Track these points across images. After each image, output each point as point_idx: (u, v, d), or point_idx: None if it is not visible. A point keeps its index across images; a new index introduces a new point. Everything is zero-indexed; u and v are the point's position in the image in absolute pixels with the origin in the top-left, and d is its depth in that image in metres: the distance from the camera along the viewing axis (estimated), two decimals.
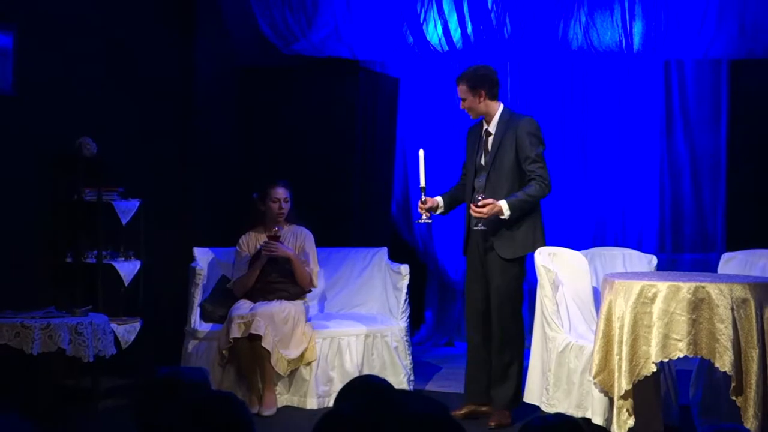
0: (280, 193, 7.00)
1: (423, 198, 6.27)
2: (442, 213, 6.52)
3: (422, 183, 6.29)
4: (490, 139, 6.27)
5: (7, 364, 6.11)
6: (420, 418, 1.79)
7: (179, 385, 2.94)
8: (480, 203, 6.00)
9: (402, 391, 1.91)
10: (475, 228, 6.23)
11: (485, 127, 6.32)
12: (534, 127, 6.21)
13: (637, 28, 8.00)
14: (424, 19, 8.23)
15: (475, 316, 6.33)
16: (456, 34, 8.22)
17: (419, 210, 6.33)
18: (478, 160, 6.31)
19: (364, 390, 2.43)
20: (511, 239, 6.16)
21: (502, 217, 6.02)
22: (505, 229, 6.14)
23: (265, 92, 8.55)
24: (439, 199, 6.44)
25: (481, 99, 6.25)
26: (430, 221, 6.40)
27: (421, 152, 6.26)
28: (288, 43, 8.39)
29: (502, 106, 6.31)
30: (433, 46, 8.31)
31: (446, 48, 8.31)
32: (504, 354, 6.19)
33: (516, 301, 6.24)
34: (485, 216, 6.01)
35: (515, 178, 6.17)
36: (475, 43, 8.21)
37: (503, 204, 6.01)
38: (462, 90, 6.28)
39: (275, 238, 6.84)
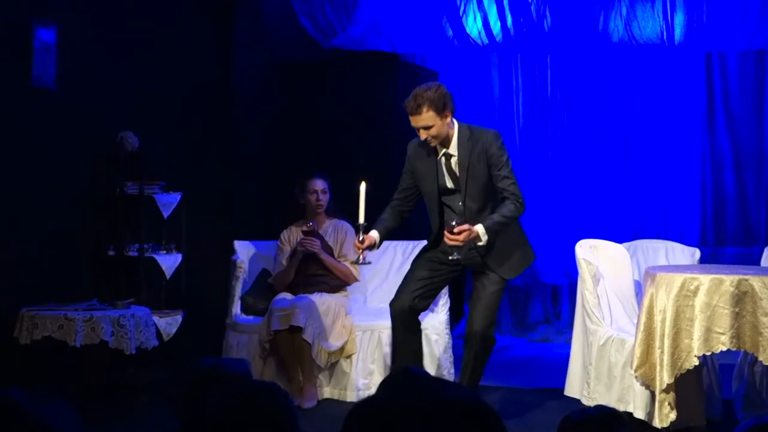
0: (317, 184, 7.00)
1: (361, 236, 5.60)
2: (376, 249, 5.88)
3: (362, 219, 5.62)
4: (454, 160, 5.67)
5: (51, 357, 6.18)
6: (454, 405, 1.79)
7: (221, 376, 2.95)
8: (456, 230, 5.43)
9: (436, 380, 1.91)
10: (451, 258, 5.68)
11: (444, 149, 5.68)
12: (500, 140, 5.69)
13: (679, 20, 7.94)
14: (464, 12, 8.22)
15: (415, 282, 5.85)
16: (496, 27, 8.19)
17: (356, 250, 5.73)
18: (442, 183, 5.73)
19: (403, 381, 2.43)
20: (508, 260, 5.79)
21: (480, 243, 5.52)
22: (497, 254, 5.72)
23: (305, 87, 8.57)
24: (376, 236, 5.74)
25: (448, 120, 5.59)
26: (369, 263, 5.87)
27: (363, 185, 5.64)
28: (327, 37, 8.41)
29: (457, 124, 5.68)
30: (472, 39, 8.29)
31: (486, 41, 8.29)
32: (485, 352, 5.81)
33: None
34: (461, 243, 5.45)
35: (490, 196, 5.70)
36: (515, 36, 8.19)
37: (480, 229, 5.45)
38: (426, 117, 5.51)
39: (310, 233, 6.84)
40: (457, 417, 1.77)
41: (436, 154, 5.70)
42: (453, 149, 5.67)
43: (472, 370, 5.75)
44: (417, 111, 5.52)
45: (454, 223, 5.45)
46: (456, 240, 5.43)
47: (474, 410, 1.80)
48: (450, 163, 5.69)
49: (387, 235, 5.87)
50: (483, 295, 5.75)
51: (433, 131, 5.54)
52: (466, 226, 5.43)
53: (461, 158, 5.65)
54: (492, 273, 5.75)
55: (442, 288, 6.13)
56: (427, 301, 5.93)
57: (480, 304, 5.73)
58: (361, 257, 5.64)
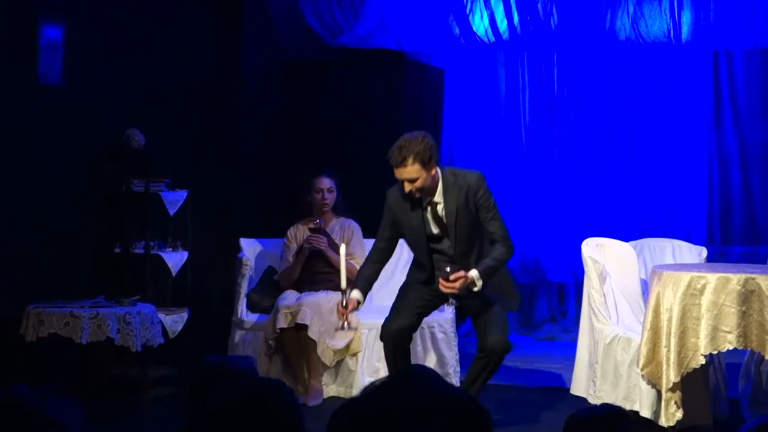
0: (324, 183, 6.98)
1: (344, 302, 5.51)
2: (360, 307, 5.76)
3: (343, 284, 5.55)
4: (440, 207, 5.57)
5: (57, 354, 6.18)
6: (440, 402, 1.79)
7: (227, 373, 2.95)
8: (452, 277, 5.35)
9: (427, 376, 1.90)
10: (448, 305, 5.61)
11: (429, 198, 5.54)
12: (485, 182, 5.58)
13: (686, 19, 7.93)
14: (471, 10, 8.21)
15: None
16: (502, 25, 8.18)
17: (339, 317, 5.59)
18: (430, 231, 5.62)
19: (388, 382, 2.42)
20: (505, 294, 5.76)
21: (475, 288, 5.44)
22: (493, 293, 5.65)
23: (311, 85, 8.57)
24: (359, 296, 5.64)
25: (433, 171, 5.46)
26: (354, 329, 5.79)
27: (343, 247, 5.59)
28: (334, 35, 8.41)
29: (439, 173, 5.54)
30: (479, 37, 8.28)
31: (492, 39, 8.28)
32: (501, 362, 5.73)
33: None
34: (457, 290, 5.39)
35: (477, 237, 5.62)
36: (521, 34, 8.18)
37: (474, 274, 5.40)
38: (411, 170, 5.37)
39: (317, 230, 6.84)
40: (444, 414, 1.77)
41: (421, 202, 5.59)
42: (438, 197, 5.56)
43: (483, 381, 5.65)
44: (402, 164, 5.38)
45: (448, 269, 5.37)
46: (452, 287, 5.37)
47: (460, 407, 1.79)
48: (436, 211, 5.59)
49: (369, 290, 5.81)
50: (489, 311, 5.65)
51: (418, 184, 5.41)
52: (461, 273, 5.36)
53: (448, 205, 5.54)
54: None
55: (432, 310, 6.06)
56: (417, 326, 5.86)
57: (490, 319, 5.62)
58: (345, 324, 5.49)
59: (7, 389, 1.94)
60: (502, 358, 5.64)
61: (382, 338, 5.77)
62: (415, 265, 5.88)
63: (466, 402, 1.81)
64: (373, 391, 1.85)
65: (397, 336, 5.66)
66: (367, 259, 5.89)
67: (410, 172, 5.37)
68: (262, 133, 8.22)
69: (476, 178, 5.57)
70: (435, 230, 5.62)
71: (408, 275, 5.97)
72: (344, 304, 5.49)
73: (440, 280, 5.39)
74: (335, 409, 1.86)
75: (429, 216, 5.60)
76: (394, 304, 5.84)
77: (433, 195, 5.55)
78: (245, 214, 7.92)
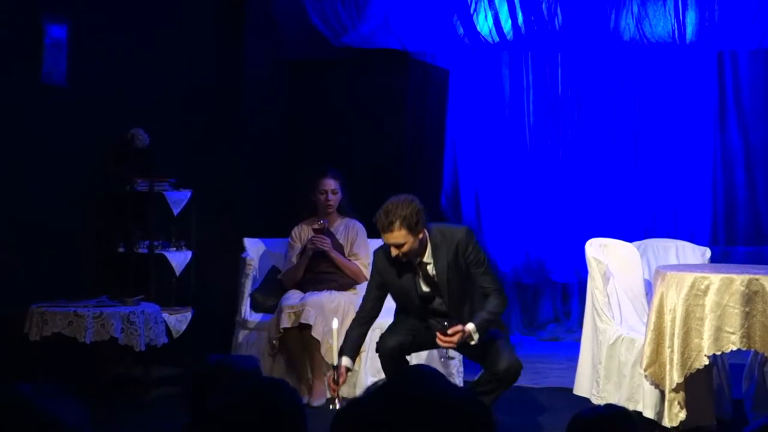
0: (328, 184, 6.97)
1: (335, 376, 5.34)
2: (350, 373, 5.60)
3: (335, 360, 5.48)
4: (430, 267, 5.50)
5: (61, 353, 6.19)
6: (444, 403, 1.79)
7: (230, 373, 2.95)
8: (450, 331, 5.26)
9: (430, 378, 1.90)
10: (443, 360, 5.50)
11: (418, 259, 5.47)
12: (473, 235, 5.52)
13: (690, 19, 7.92)
14: (475, 10, 8.21)
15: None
16: (507, 25, 8.18)
17: (331, 391, 5.41)
18: (420, 291, 5.54)
19: (391, 382, 2.42)
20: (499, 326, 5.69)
21: (472, 342, 5.35)
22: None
23: (315, 85, 8.57)
24: (348, 364, 5.46)
25: (420, 237, 5.37)
26: (344, 403, 5.78)
27: (335, 323, 5.45)
28: (338, 35, 8.41)
29: (427, 235, 5.46)
30: (483, 37, 8.28)
31: (497, 39, 8.28)
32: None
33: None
34: (455, 345, 5.35)
35: (469, 290, 5.53)
36: (526, 35, 8.18)
37: (471, 327, 5.30)
38: (398, 235, 5.28)
39: (321, 231, 6.83)
40: (448, 414, 1.77)
41: (411, 265, 5.51)
42: (428, 257, 5.49)
43: (494, 399, 5.52)
44: (389, 229, 5.29)
45: (446, 323, 5.31)
46: (450, 342, 5.30)
47: (461, 405, 1.79)
48: (426, 271, 5.52)
49: (357, 355, 5.72)
50: (493, 342, 5.50)
51: (404, 249, 5.32)
52: (459, 327, 5.28)
53: (439, 265, 5.48)
54: None
55: (427, 348, 5.96)
56: (414, 348, 5.71)
57: (496, 347, 5.48)
58: (337, 401, 5.26)
59: (10, 387, 1.94)
60: (516, 380, 5.54)
61: (378, 351, 5.71)
62: (405, 314, 5.77)
63: (469, 402, 1.81)
64: (376, 391, 1.85)
65: (394, 351, 5.58)
66: (355, 321, 5.73)
67: (397, 237, 5.30)
68: (266, 133, 8.22)
69: (464, 233, 5.50)
70: (426, 289, 5.56)
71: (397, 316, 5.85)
72: (335, 378, 5.33)
73: (438, 334, 5.33)
74: (339, 408, 1.86)
75: (420, 278, 5.55)
76: (392, 324, 5.76)
77: (422, 256, 5.48)
78: (249, 213, 7.92)
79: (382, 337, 5.73)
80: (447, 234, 5.50)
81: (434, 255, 5.47)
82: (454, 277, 5.49)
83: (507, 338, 5.65)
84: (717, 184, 8.90)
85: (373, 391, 1.86)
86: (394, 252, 5.37)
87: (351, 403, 1.87)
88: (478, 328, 5.33)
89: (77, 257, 6.71)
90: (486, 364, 5.52)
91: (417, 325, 5.67)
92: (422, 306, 5.61)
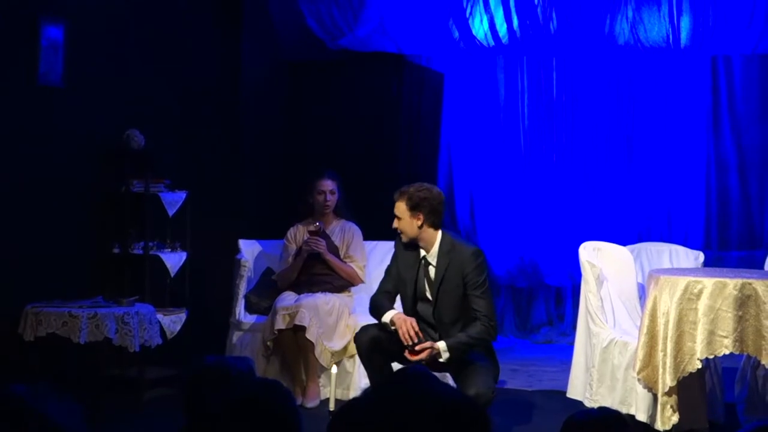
0: (326, 185, 6.98)
1: (405, 327, 5.42)
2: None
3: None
4: (431, 269, 5.62)
5: (55, 353, 6.19)
6: (440, 404, 1.80)
7: (225, 374, 2.97)
8: (417, 347, 5.37)
9: (426, 379, 1.91)
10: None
11: (423, 254, 5.63)
12: (481, 259, 5.59)
13: (685, 24, 7.95)
14: (470, 13, 8.23)
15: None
16: (502, 29, 8.20)
17: (411, 339, 5.44)
18: (421, 289, 5.66)
19: (390, 382, 2.43)
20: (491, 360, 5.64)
21: (441, 359, 5.38)
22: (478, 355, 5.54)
23: (311, 87, 8.59)
24: (396, 313, 5.62)
25: (419, 223, 5.52)
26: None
27: (334, 369, 5.22)
28: (334, 38, 8.42)
29: (440, 235, 5.60)
30: (479, 41, 8.30)
31: (492, 43, 8.30)
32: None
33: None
34: (424, 362, 5.35)
35: (462, 309, 5.57)
36: (521, 38, 8.20)
37: (441, 345, 5.37)
38: (399, 208, 5.53)
39: (316, 233, 6.84)
40: (444, 416, 1.78)
41: (418, 260, 5.65)
42: (432, 257, 5.61)
43: None
44: (395, 198, 5.58)
45: (415, 342, 5.38)
46: (418, 358, 5.36)
47: (461, 409, 1.81)
48: (428, 270, 5.64)
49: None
50: (468, 364, 5.46)
51: (399, 224, 5.58)
52: (428, 344, 5.36)
53: (438, 269, 5.58)
54: None
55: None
56: (389, 348, 5.62)
57: (470, 369, 5.42)
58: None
59: (4, 388, 1.94)
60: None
61: (355, 341, 5.77)
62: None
63: (466, 404, 1.82)
64: (373, 392, 1.86)
65: (374, 341, 5.62)
66: (383, 293, 5.77)
67: (398, 207, 5.56)
68: (262, 135, 8.23)
69: (471, 253, 5.57)
70: (426, 291, 5.64)
71: None
72: (411, 328, 5.43)
73: (406, 352, 5.40)
74: (336, 409, 1.87)
75: (422, 273, 5.65)
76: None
77: (428, 252, 5.61)
78: (244, 215, 7.93)
79: (362, 328, 5.82)
80: (457, 248, 5.59)
81: (438, 258, 5.58)
82: (446, 289, 5.54)
83: (491, 367, 5.55)
84: (710, 189, 8.91)
85: (371, 392, 1.87)
86: (394, 223, 5.59)
87: (349, 404, 1.88)
88: (450, 348, 5.36)
89: (72, 258, 6.71)
90: (459, 386, 5.41)
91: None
92: (413, 304, 5.67)
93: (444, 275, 5.54)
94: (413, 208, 5.50)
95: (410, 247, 5.66)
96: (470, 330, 5.44)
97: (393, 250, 5.86)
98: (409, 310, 5.69)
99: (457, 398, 1.83)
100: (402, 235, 5.62)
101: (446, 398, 1.82)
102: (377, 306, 5.70)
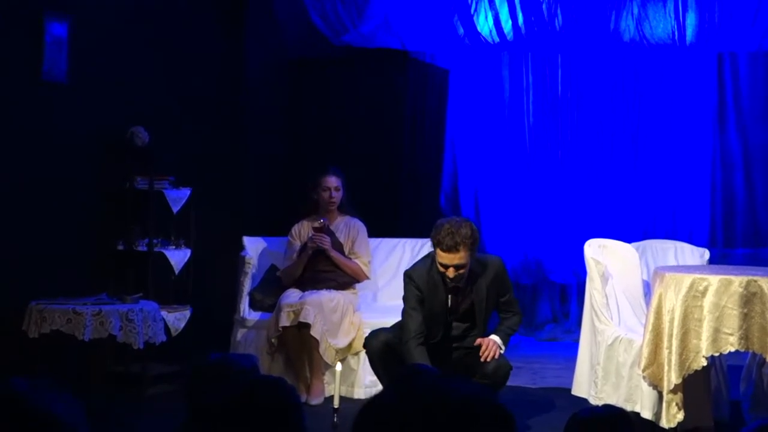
0: (331, 181, 6.97)
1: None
2: None
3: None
4: (466, 292, 5.68)
5: (59, 350, 6.19)
6: (465, 401, 1.78)
7: (229, 371, 2.96)
8: (479, 343, 5.60)
9: (447, 376, 1.90)
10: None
11: (452, 283, 5.59)
12: (504, 266, 5.82)
13: (690, 20, 7.92)
14: (475, 10, 8.21)
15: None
16: (507, 25, 8.19)
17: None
18: (451, 317, 5.71)
19: (413, 379, 2.42)
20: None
21: (501, 351, 5.66)
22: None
23: (315, 84, 8.58)
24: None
25: (473, 257, 5.61)
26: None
27: (339, 366, 5.52)
28: (338, 34, 8.41)
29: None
30: (483, 37, 8.28)
31: (497, 39, 8.28)
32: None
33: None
34: (496, 356, 5.58)
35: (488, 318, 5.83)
36: (526, 35, 8.19)
37: (498, 341, 5.66)
38: (462, 256, 5.46)
39: (321, 229, 6.83)
40: (470, 415, 1.77)
41: (444, 284, 5.62)
42: (463, 282, 5.63)
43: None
44: (455, 249, 5.44)
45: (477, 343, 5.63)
46: (493, 352, 5.58)
47: (485, 406, 1.79)
48: (456, 297, 5.66)
49: None
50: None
51: (464, 271, 5.52)
52: (486, 340, 5.62)
53: (478, 293, 5.67)
54: None
55: None
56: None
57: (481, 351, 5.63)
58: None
59: (4, 382, 1.94)
60: (506, 380, 5.67)
61: (365, 347, 5.81)
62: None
63: (493, 402, 1.81)
64: (399, 388, 1.84)
65: (386, 345, 5.67)
66: (412, 341, 5.58)
67: (459, 257, 5.45)
68: (266, 132, 8.23)
69: (500, 263, 5.81)
70: (455, 316, 5.72)
71: None
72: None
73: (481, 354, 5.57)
74: (360, 407, 1.84)
75: (453, 296, 5.67)
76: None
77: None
78: (248, 212, 7.93)
79: (371, 334, 5.81)
80: (482, 261, 5.72)
81: (474, 283, 5.65)
82: (489, 307, 5.77)
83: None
84: (716, 186, 8.90)
85: (396, 388, 1.85)
86: (451, 273, 5.50)
87: (374, 401, 1.86)
88: (504, 341, 5.72)
89: (76, 255, 6.71)
90: (474, 370, 5.59)
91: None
92: (445, 327, 5.71)
93: (486, 295, 5.69)
94: (474, 250, 5.54)
95: (431, 279, 5.61)
96: (508, 322, 5.84)
97: (394, 251, 5.88)
98: (438, 334, 5.69)
99: (487, 397, 1.82)
100: (457, 279, 5.52)
101: (477, 397, 1.80)
102: (424, 358, 5.48)
